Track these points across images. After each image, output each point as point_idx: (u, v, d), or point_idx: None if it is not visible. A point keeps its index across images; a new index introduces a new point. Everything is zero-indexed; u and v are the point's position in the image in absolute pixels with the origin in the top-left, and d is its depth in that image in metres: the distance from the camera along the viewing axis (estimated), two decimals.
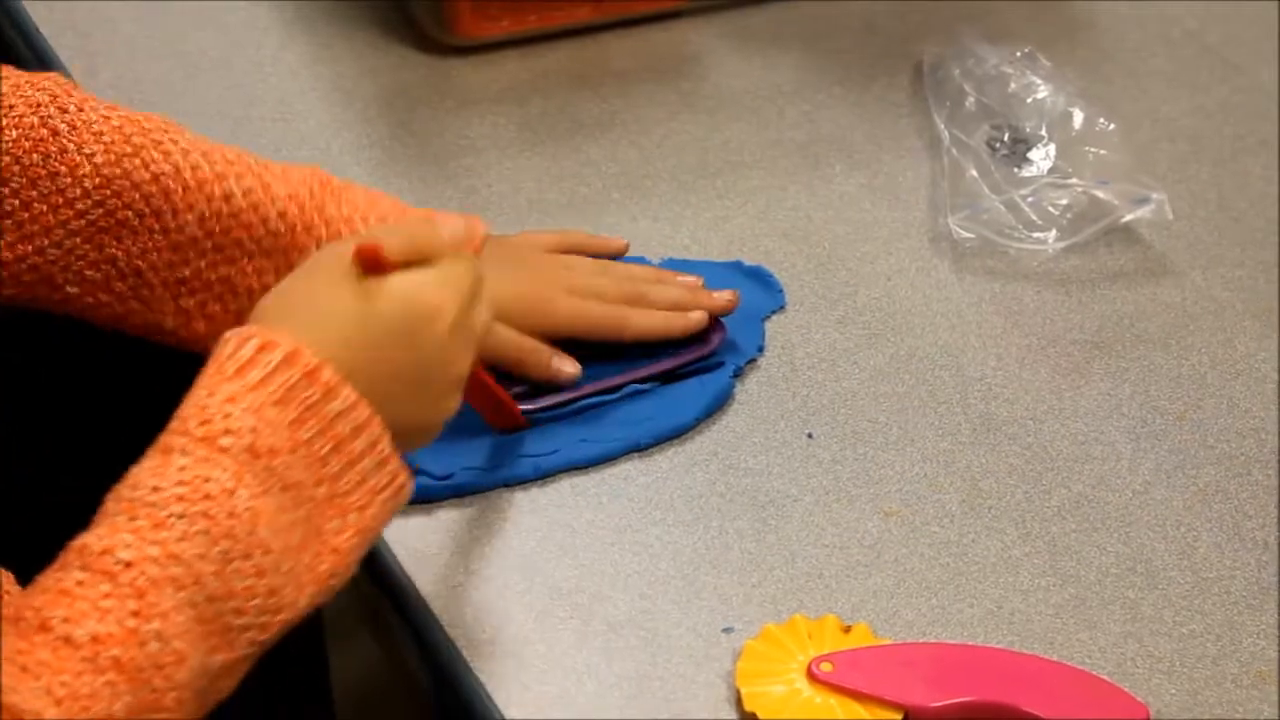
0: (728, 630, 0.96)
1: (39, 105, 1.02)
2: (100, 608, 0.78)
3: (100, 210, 1.01)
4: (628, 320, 1.08)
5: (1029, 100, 1.28)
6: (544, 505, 1.02)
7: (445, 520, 1.01)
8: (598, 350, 1.08)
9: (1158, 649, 0.96)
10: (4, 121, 1.01)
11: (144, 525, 0.80)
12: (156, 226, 1.01)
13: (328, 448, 0.85)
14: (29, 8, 1.34)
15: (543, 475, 1.03)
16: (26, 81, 1.03)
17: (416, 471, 1.00)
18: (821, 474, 1.04)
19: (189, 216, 1.01)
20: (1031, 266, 1.20)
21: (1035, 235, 1.21)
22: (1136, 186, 1.22)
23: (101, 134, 1.02)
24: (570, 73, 1.34)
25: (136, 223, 1.01)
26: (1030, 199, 1.22)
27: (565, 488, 1.03)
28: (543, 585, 0.97)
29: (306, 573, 0.84)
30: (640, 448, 1.04)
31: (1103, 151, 1.24)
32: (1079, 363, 1.14)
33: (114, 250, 1.01)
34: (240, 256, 1.02)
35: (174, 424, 0.84)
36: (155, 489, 0.82)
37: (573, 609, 0.96)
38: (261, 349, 0.85)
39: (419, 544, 0.99)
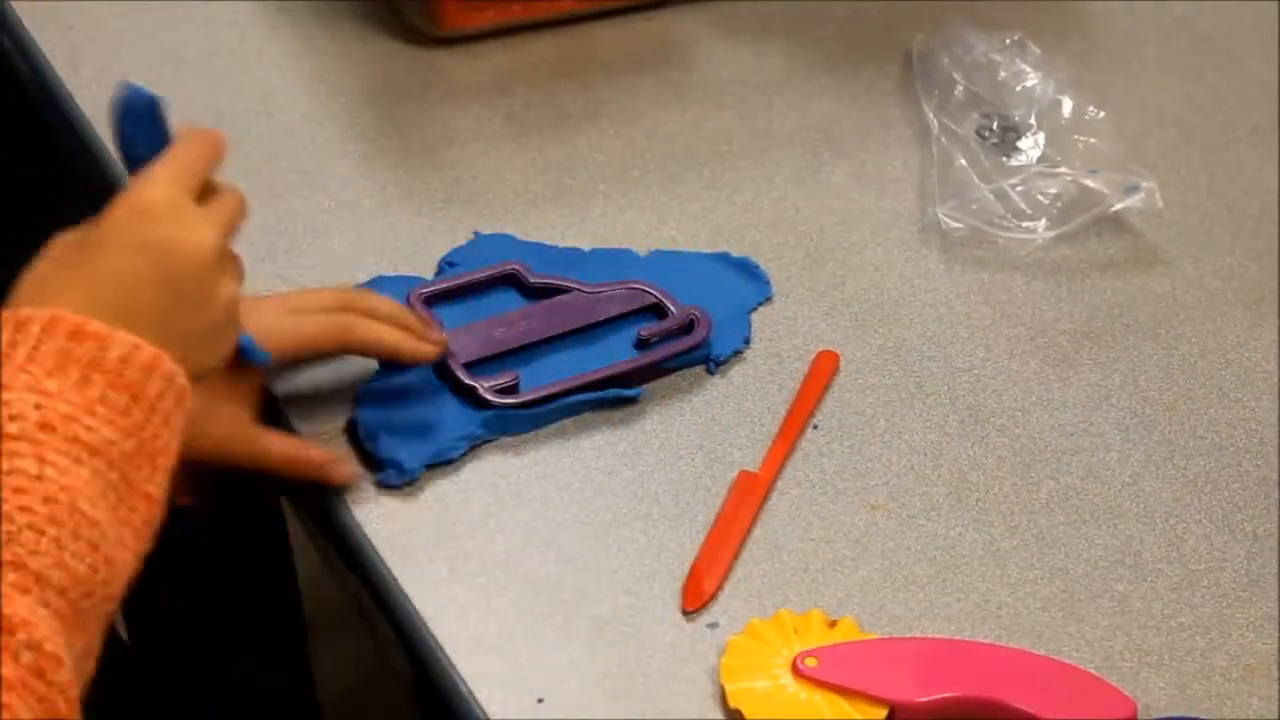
0: (712, 626, 0.95)
1: None
2: None
3: None
4: (351, 330, 1.03)
5: (1018, 88, 1.27)
6: (527, 501, 1.01)
7: (428, 517, 1.00)
8: (580, 343, 1.08)
9: (1146, 642, 0.96)
10: None
11: None
12: None
13: (124, 398, 0.82)
14: (15, 6, 1.34)
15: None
16: None
17: (390, 463, 1.01)
18: (807, 467, 1.03)
19: None
20: (1020, 256, 1.19)
21: (1024, 225, 1.20)
22: (1126, 175, 1.22)
23: None
24: (555, 64, 1.33)
25: None
26: (1019, 188, 1.21)
27: (549, 484, 1.02)
28: (525, 582, 0.97)
29: (127, 529, 0.81)
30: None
31: (1092, 140, 1.24)
32: (1068, 353, 1.13)
33: None
34: None
35: None
36: None
37: (555, 605, 0.96)
38: (18, 326, 0.82)
39: (402, 541, 0.98)
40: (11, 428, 0.79)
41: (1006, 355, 1.13)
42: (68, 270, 0.86)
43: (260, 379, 1.02)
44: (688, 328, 1.10)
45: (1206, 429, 1.09)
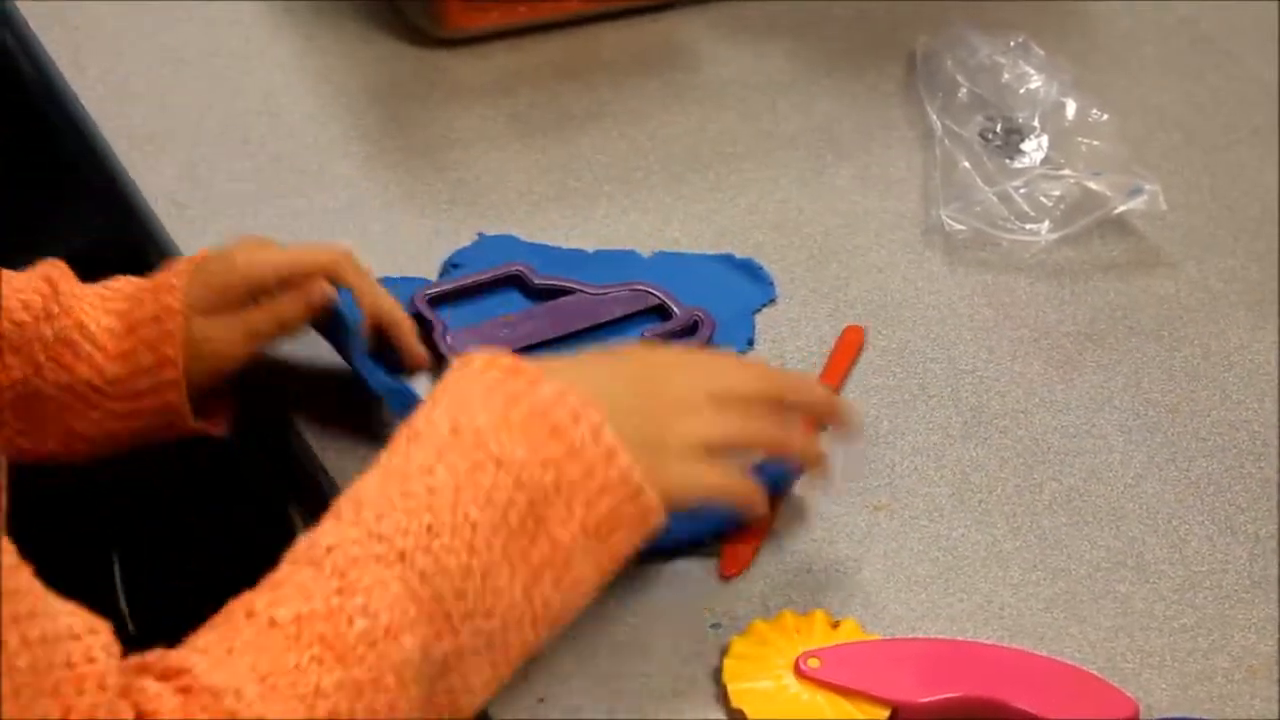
0: (715, 627, 0.95)
1: None
2: (304, 590, 0.78)
3: None
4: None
5: (1022, 90, 1.27)
6: None
7: None
8: (584, 344, 1.08)
9: (1148, 643, 0.96)
10: None
11: (345, 515, 0.81)
12: None
13: (544, 431, 0.83)
14: (20, 6, 1.34)
15: None
16: None
17: None
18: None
19: None
20: (1024, 258, 1.20)
21: (1028, 226, 1.20)
22: (1129, 177, 1.22)
23: None
24: (560, 65, 1.34)
25: None
26: (1023, 190, 1.21)
27: None
28: None
29: (519, 557, 0.82)
30: (698, 542, 0.98)
31: (1096, 142, 1.24)
32: (1071, 355, 1.14)
33: None
34: None
35: (416, 423, 0.85)
36: (358, 488, 0.83)
37: None
38: (461, 365, 0.87)
39: None
40: (425, 431, 0.83)
41: (1009, 357, 1.13)
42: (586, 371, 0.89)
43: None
44: (691, 329, 1.10)
45: (1209, 430, 1.09)
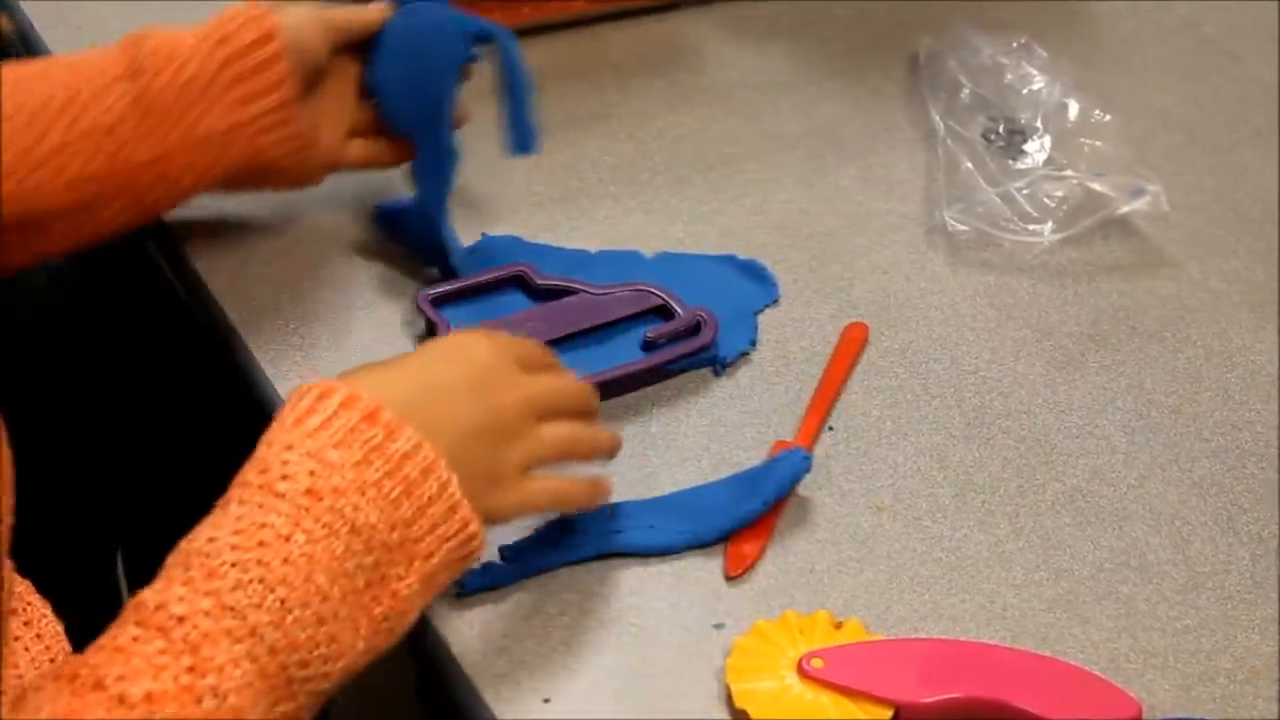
0: (718, 626, 0.95)
1: None
2: (154, 664, 0.77)
3: None
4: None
5: (1025, 91, 1.27)
6: None
7: None
8: (587, 344, 1.08)
9: (1151, 644, 0.96)
10: None
11: (197, 576, 0.80)
12: None
13: (397, 490, 0.84)
14: (25, 6, 1.34)
15: (603, 555, 0.98)
16: None
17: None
18: (814, 468, 1.03)
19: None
20: (1027, 259, 1.20)
21: (1030, 227, 1.20)
22: (1132, 178, 1.22)
23: None
24: (565, 66, 1.34)
25: None
26: (1025, 191, 1.22)
27: None
28: (532, 582, 0.97)
29: (363, 616, 0.83)
30: (705, 544, 0.99)
31: (1098, 143, 1.24)
32: (1074, 355, 1.14)
33: None
34: None
35: (235, 479, 0.84)
36: (210, 540, 0.81)
37: (563, 606, 0.96)
38: (320, 397, 0.86)
39: None
40: (281, 486, 0.82)
41: (1012, 357, 1.13)
42: (378, 365, 0.91)
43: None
44: (694, 329, 1.10)
45: (1212, 431, 1.09)
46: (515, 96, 1.13)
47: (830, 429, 1.07)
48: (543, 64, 1.33)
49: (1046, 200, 1.21)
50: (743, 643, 0.93)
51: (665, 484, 1.03)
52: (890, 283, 1.18)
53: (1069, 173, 1.22)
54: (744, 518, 0.99)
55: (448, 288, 1.12)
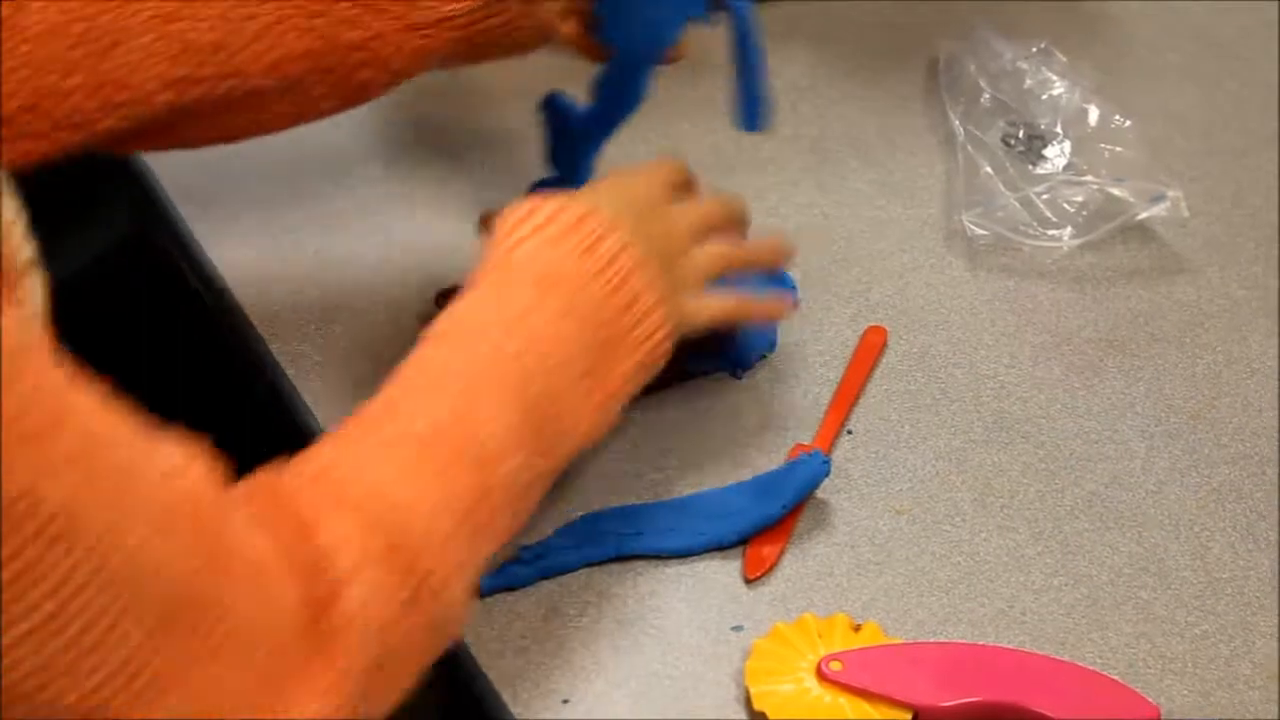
0: (737, 629, 0.95)
1: None
2: (433, 404, 0.84)
3: None
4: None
5: (1044, 97, 1.27)
6: (552, 500, 1.01)
7: None
8: None
9: (1169, 649, 0.96)
10: None
11: (464, 338, 0.87)
12: None
13: (610, 285, 0.91)
14: None
15: (622, 557, 0.99)
16: None
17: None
18: (832, 472, 1.03)
19: None
20: (1046, 264, 1.20)
21: (1050, 233, 1.20)
22: (1152, 184, 1.22)
23: None
24: (587, 67, 1.33)
25: None
26: (1045, 196, 1.22)
27: (575, 486, 1.03)
28: (551, 583, 0.97)
29: (586, 399, 0.89)
30: (723, 547, 1.00)
31: (1118, 148, 1.24)
32: (1093, 361, 1.14)
33: None
34: None
35: (474, 274, 0.91)
36: (465, 317, 0.89)
37: (582, 607, 0.96)
38: (533, 207, 0.93)
39: None
40: (518, 273, 0.90)
41: (1031, 362, 1.13)
42: (602, 194, 0.98)
43: None
44: (714, 332, 1.10)
45: (1231, 437, 1.09)
46: (747, 68, 1.10)
47: (849, 433, 1.07)
48: (566, 66, 1.33)
49: (1066, 205, 1.21)
50: (761, 645, 0.93)
51: (684, 486, 1.03)
52: (909, 287, 1.18)
53: (1088, 178, 1.22)
54: (763, 521, 1.00)
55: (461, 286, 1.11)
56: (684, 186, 1.04)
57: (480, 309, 0.90)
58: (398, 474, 0.81)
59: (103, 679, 0.69)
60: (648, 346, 0.93)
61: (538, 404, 0.87)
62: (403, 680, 0.81)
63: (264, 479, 0.80)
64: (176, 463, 0.73)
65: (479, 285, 0.91)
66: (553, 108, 1.15)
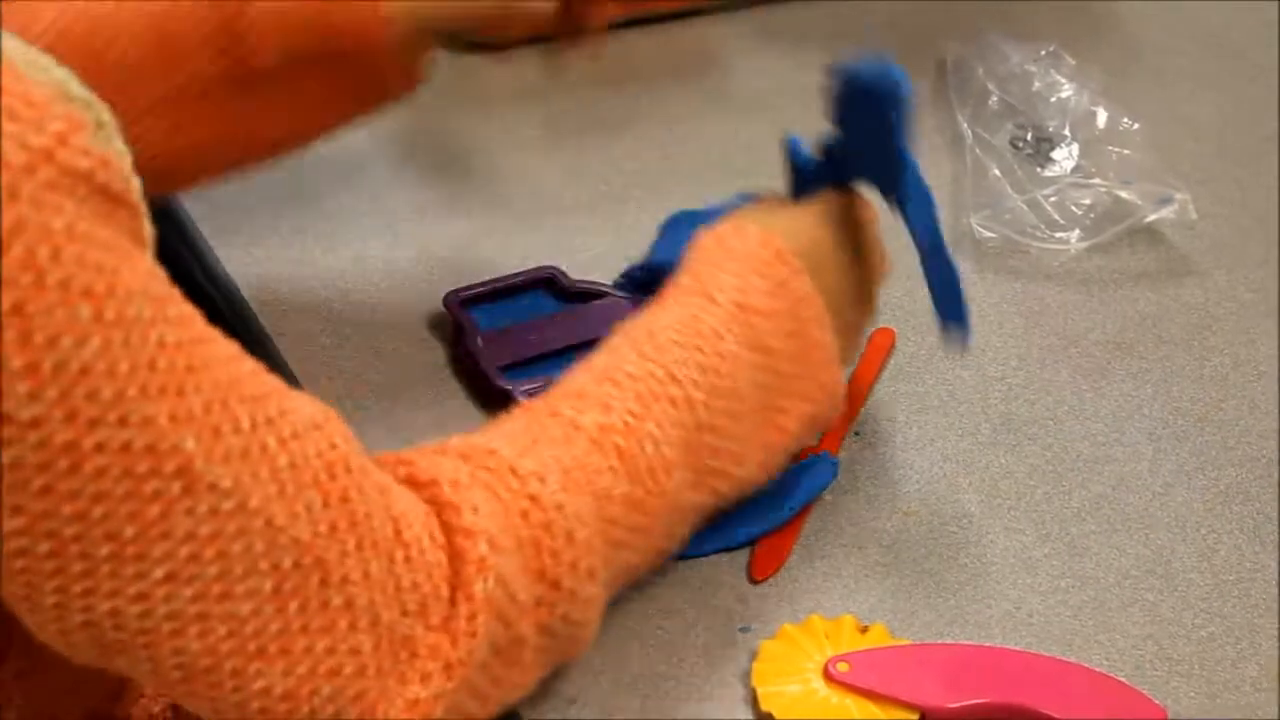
0: (744, 630, 0.95)
1: None
2: (605, 403, 0.86)
3: None
4: None
5: (1052, 99, 1.28)
6: None
7: None
8: None
9: (1177, 651, 0.96)
10: None
11: (646, 349, 0.87)
12: None
13: (793, 325, 0.92)
14: None
15: None
16: None
17: None
18: (840, 473, 1.04)
19: None
20: (1053, 266, 1.20)
21: (1058, 235, 1.21)
22: (1159, 186, 1.22)
23: None
24: (592, 71, 1.34)
25: None
26: (1053, 198, 1.22)
27: None
28: None
29: (757, 437, 0.90)
30: (731, 548, 1.00)
31: (1126, 151, 1.24)
32: (1100, 363, 1.14)
33: None
34: None
35: (667, 289, 0.92)
36: (652, 329, 0.89)
37: None
38: (737, 229, 0.95)
39: None
40: (717, 295, 0.91)
41: (1039, 364, 1.13)
42: (773, 211, 1.00)
43: None
44: None
45: (1238, 440, 1.09)
46: (940, 271, 1.00)
47: (857, 434, 1.07)
48: (571, 70, 1.33)
49: (1073, 208, 1.21)
50: (768, 646, 0.94)
51: None
52: (917, 289, 1.17)
53: (1096, 180, 1.22)
54: (770, 522, 1.00)
55: (477, 290, 1.12)
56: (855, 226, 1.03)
57: (676, 321, 0.90)
58: (551, 464, 0.82)
59: (227, 632, 0.70)
60: (819, 397, 0.94)
61: (709, 427, 0.88)
62: (506, 685, 0.82)
63: (412, 452, 0.81)
64: (308, 423, 0.73)
65: (673, 300, 0.92)
66: (791, 149, 1.08)
